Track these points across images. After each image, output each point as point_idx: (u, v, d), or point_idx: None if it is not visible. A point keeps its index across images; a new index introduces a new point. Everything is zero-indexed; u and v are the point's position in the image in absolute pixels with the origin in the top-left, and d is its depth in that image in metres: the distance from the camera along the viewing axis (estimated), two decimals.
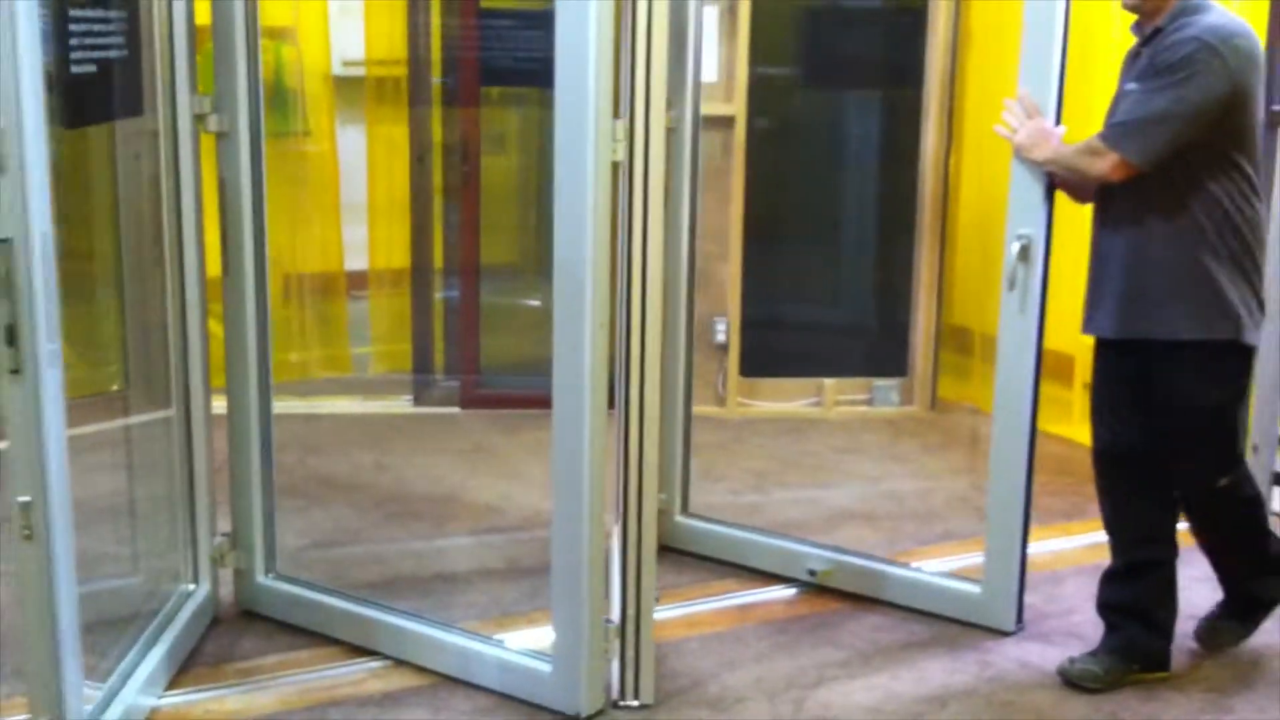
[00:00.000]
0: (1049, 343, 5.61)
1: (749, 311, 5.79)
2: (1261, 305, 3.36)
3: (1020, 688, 3.48)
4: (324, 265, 6.29)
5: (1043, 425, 5.65)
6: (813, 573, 3.99)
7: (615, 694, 3.29)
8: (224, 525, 3.78)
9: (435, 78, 5.93)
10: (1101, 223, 3.44)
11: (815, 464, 5.32)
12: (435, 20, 5.93)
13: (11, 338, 2.51)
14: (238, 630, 3.70)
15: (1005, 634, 3.76)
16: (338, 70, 6.39)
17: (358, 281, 6.47)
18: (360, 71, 6.42)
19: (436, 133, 5.91)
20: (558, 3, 2.92)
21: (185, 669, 3.47)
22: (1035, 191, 3.50)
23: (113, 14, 3.21)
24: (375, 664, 3.51)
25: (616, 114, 3.01)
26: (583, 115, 2.95)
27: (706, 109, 5.61)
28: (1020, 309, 3.59)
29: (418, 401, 5.97)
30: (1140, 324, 3.34)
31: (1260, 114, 3.31)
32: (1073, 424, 5.67)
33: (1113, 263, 3.36)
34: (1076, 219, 4.02)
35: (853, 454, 5.46)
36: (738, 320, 5.79)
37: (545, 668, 3.26)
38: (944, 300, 6.03)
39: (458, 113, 5.85)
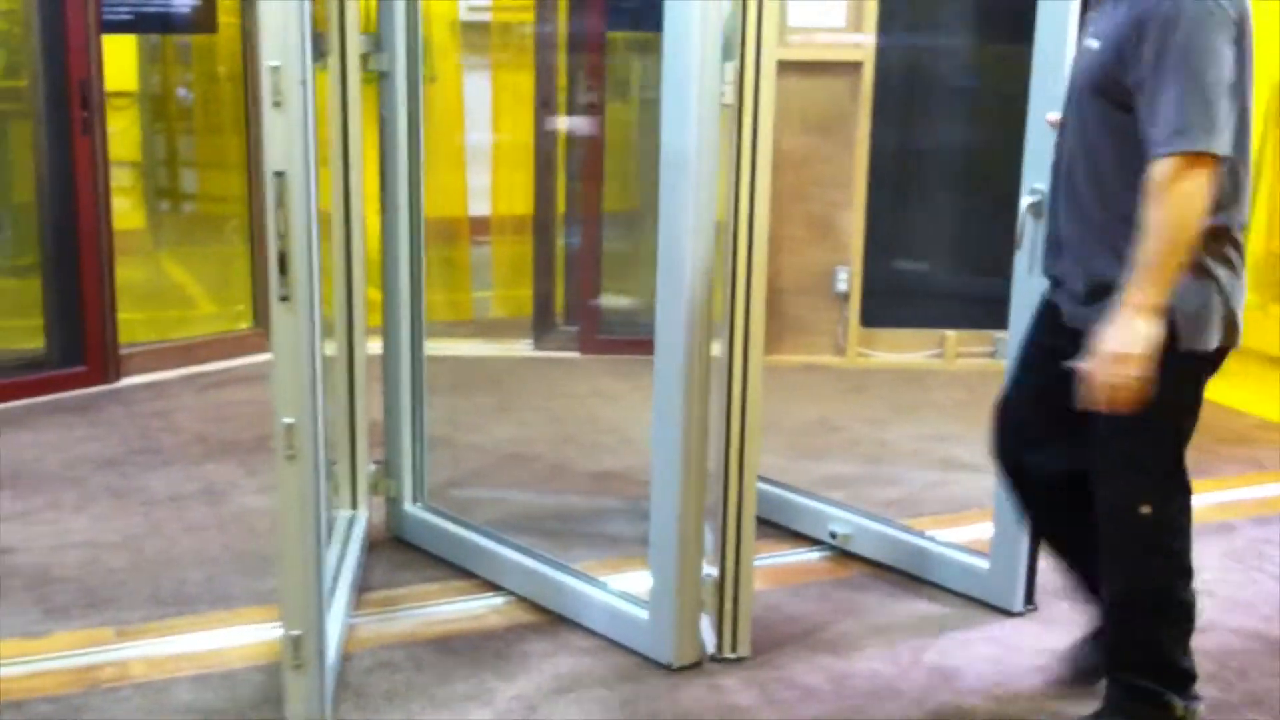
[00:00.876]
0: None
1: (871, 261, 5.74)
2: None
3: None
4: (448, 210, 6.36)
5: None
6: (834, 535, 3.88)
7: (713, 648, 3.27)
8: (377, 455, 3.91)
9: (561, 22, 5.94)
10: None
11: (935, 415, 5.27)
12: None
13: (284, 266, 2.61)
14: (384, 557, 3.80)
15: (1010, 614, 3.53)
16: (464, 15, 6.43)
17: (480, 227, 6.53)
18: (486, 17, 6.46)
19: (561, 78, 5.93)
20: None
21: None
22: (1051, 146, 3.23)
23: None
24: (499, 600, 3.56)
25: (728, 56, 2.96)
26: (689, 57, 2.90)
27: (831, 54, 5.60)
28: (1030, 268, 3.29)
29: (538, 346, 6.02)
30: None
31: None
32: None
33: None
34: None
35: (971, 407, 5.39)
36: (859, 269, 5.74)
37: (643, 615, 3.26)
38: None
39: (583, 58, 5.86)
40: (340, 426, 3.79)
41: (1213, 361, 2.70)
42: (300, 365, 2.68)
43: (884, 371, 5.79)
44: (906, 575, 3.75)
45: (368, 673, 3.16)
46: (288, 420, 2.70)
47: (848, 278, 5.74)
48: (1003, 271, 5.97)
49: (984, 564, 3.59)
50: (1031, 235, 3.26)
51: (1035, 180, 3.21)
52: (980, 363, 5.93)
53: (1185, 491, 2.82)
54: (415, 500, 3.90)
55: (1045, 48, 3.21)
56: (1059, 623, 3.43)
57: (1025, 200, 3.26)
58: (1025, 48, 5.61)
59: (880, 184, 5.68)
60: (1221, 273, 2.63)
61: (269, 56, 2.54)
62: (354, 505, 3.86)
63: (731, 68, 2.95)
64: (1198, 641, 3.35)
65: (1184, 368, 2.64)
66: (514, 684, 3.13)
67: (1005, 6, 5.82)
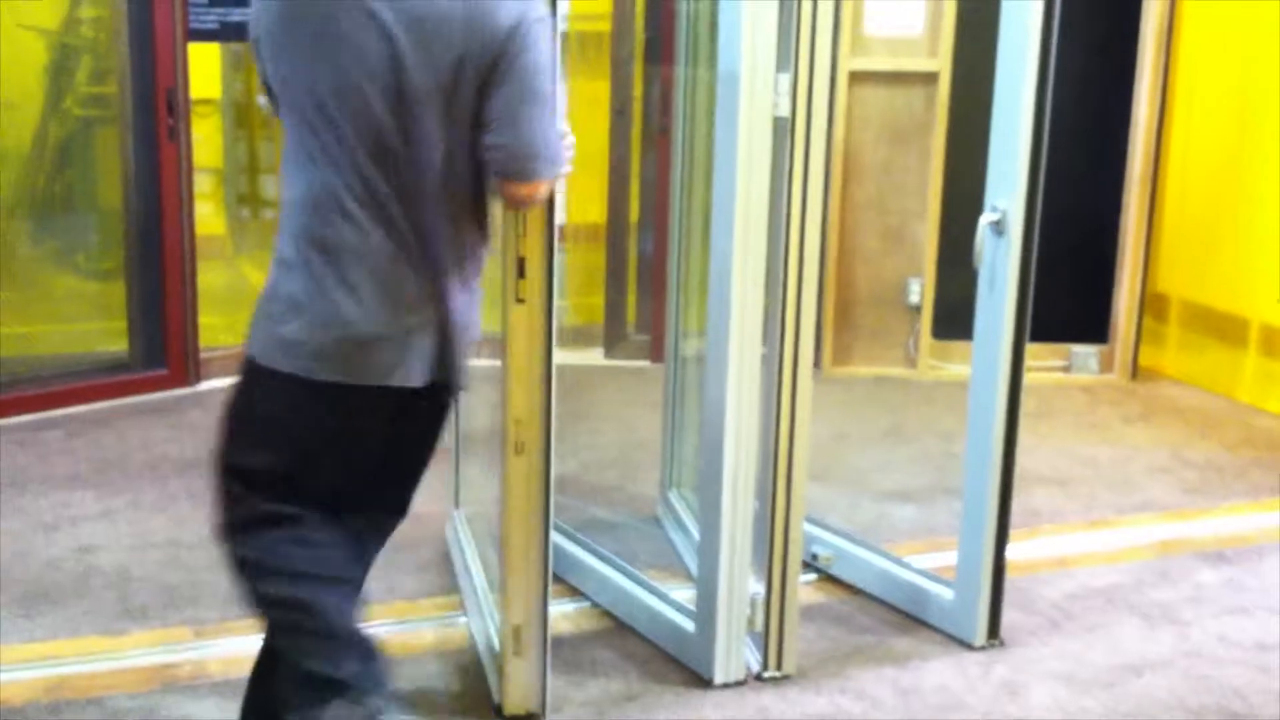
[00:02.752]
0: (1263, 315, 5.50)
1: (944, 272, 5.71)
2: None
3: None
4: None
5: (1255, 400, 5.52)
6: (815, 556, 3.79)
7: (758, 666, 3.25)
8: None
9: (638, 33, 5.96)
10: None
11: None
12: None
13: (522, 270, 2.75)
14: None
15: (970, 648, 3.41)
16: None
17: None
18: (563, 26, 6.49)
19: (637, 88, 5.96)
20: None
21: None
22: (1015, 161, 3.16)
23: None
24: (571, 606, 3.59)
25: (780, 68, 2.94)
26: (739, 68, 2.89)
27: (909, 64, 5.59)
28: (990, 287, 3.26)
29: (609, 354, 6.05)
30: None
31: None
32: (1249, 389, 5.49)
33: None
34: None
35: (1047, 419, 5.36)
36: (932, 281, 5.72)
37: (689, 626, 3.26)
38: (1150, 267, 5.87)
39: (658, 69, 5.88)
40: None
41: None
42: (533, 364, 2.80)
43: (955, 384, 5.75)
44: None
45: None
46: (518, 415, 2.83)
47: (920, 289, 5.72)
48: (1075, 285, 5.95)
49: (949, 593, 3.50)
50: (992, 252, 3.22)
51: (997, 197, 3.18)
52: (1053, 376, 5.89)
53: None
54: None
55: (1007, 62, 3.17)
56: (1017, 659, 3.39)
57: (986, 218, 3.22)
58: (1101, 59, 5.57)
59: (955, 195, 5.66)
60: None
61: None
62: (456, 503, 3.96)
63: (786, 79, 2.95)
64: (1268, 661, 3.32)
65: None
66: (584, 690, 3.16)
67: (1085, 18, 5.79)
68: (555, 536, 3.70)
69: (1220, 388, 5.74)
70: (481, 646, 3.27)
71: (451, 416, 2.60)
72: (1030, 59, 3.11)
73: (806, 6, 2.91)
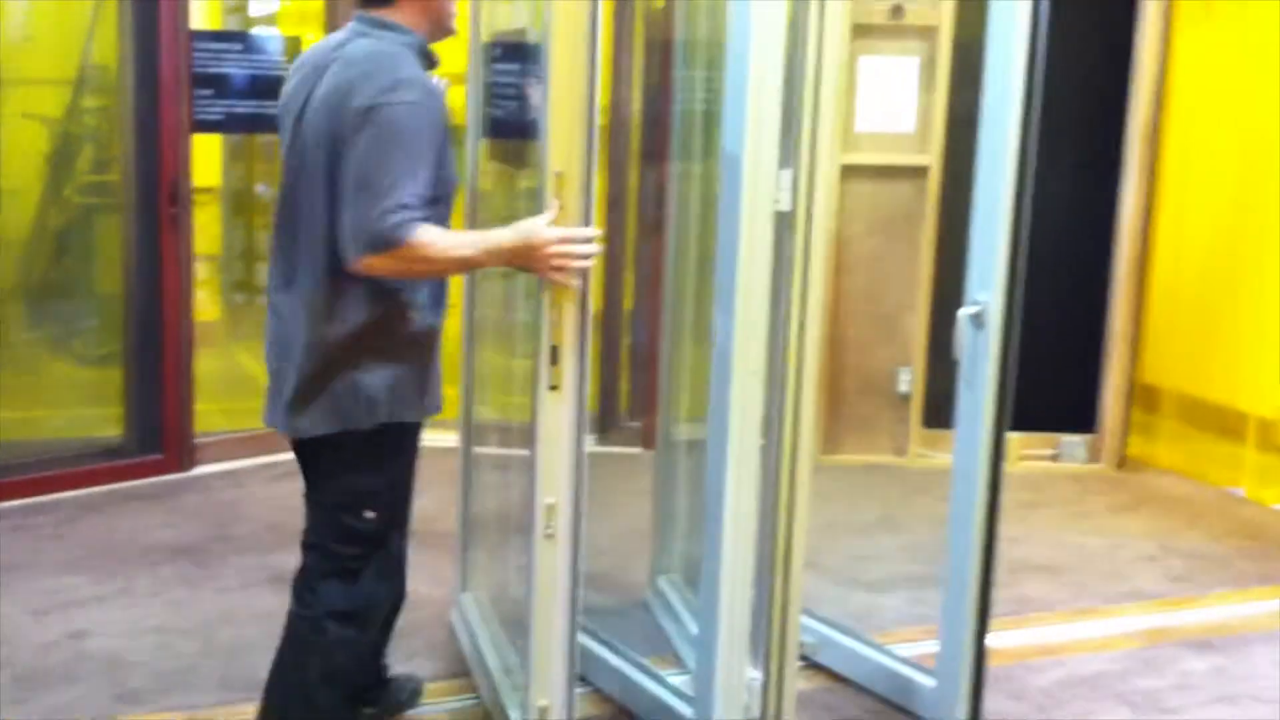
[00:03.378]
0: (1248, 406, 5.56)
1: (934, 362, 5.78)
2: None
3: None
4: None
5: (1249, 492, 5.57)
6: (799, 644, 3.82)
7: None
8: None
9: (634, 128, 6.07)
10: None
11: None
12: (636, 74, 6.08)
13: (555, 357, 2.79)
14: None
15: None
16: None
17: None
18: None
19: (633, 179, 6.05)
20: (728, 49, 2.93)
21: None
22: (994, 255, 3.23)
23: None
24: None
25: (783, 164, 2.99)
26: (743, 163, 2.94)
27: (900, 159, 5.70)
28: (970, 378, 3.30)
29: (601, 440, 6.09)
30: None
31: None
32: (1273, 490, 5.54)
33: None
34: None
35: (1037, 508, 5.40)
36: (922, 371, 5.79)
37: (688, 712, 3.27)
38: (1137, 357, 5.94)
39: (654, 162, 5.98)
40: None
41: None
42: (565, 449, 2.84)
43: (945, 472, 5.78)
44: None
45: None
46: (549, 500, 2.86)
47: (910, 379, 5.79)
48: (1063, 375, 6.01)
49: (931, 681, 3.50)
50: (972, 344, 3.26)
51: (978, 291, 3.23)
52: (1042, 465, 5.94)
53: None
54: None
55: (987, 159, 3.23)
56: None
57: (966, 310, 3.26)
58: (1089, 152, 5.67)
59: (945, 286, 5.74)
60: None
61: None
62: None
63: (788, 175, 3.02)
64: None
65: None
66: None
67: (1073, 113, 5.91)
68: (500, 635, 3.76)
69: (1207, 478, 5.79)
70: None
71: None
72: (1010, 155, 3.18)
73: (809, 104, 2.99)
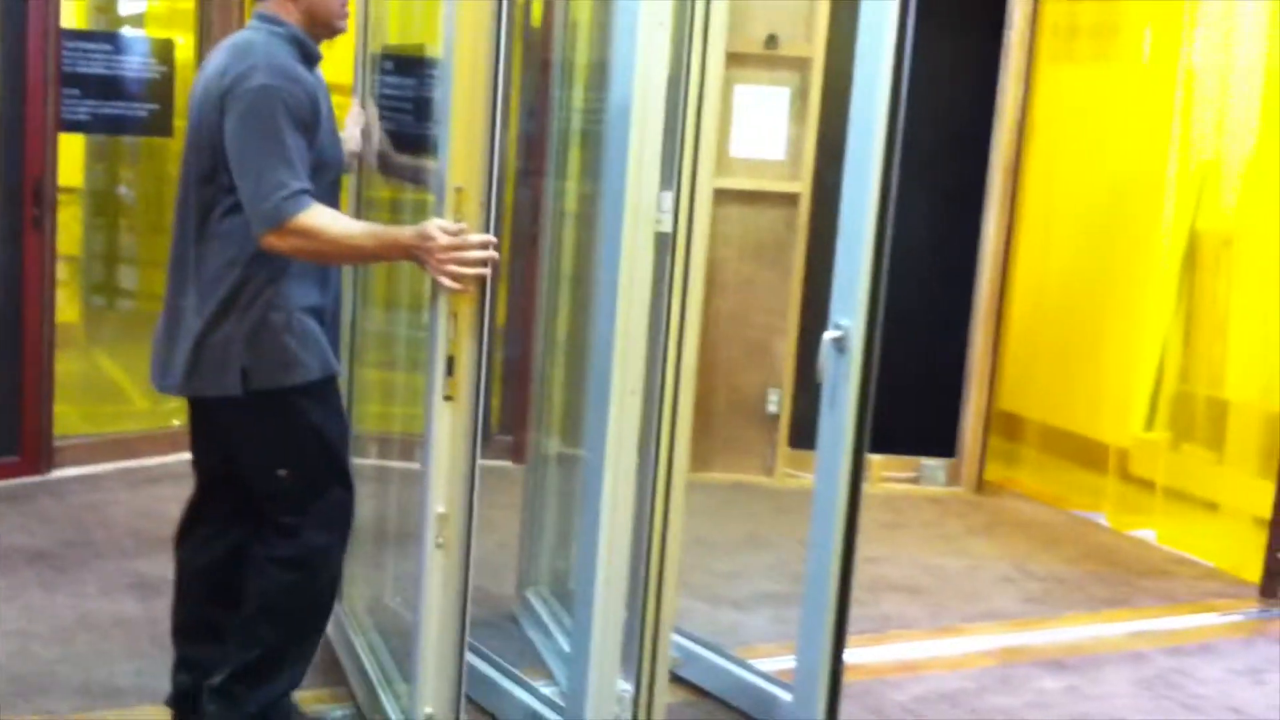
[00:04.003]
0: (1099, 434, 5.76)
1: (801, 384, 5.88)
2: None
3: None
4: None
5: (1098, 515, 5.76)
6: None
7: None
8: None
9: (511, 143, 6.09)
10: None
11: (861, 538, 5.35)
12: (515, 92, 6.10)
13: (451, 368, 2.82)
14: None
15: None
16: None
17: None
18: None
19: (509, 195, 6.07)
20: (611, 73, 2.98)
21: None
22: (856, 282, 3.28)
23: None
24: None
25: (665, 185, 3.06)
26: (625, 185, 2.98)
27: (771, 185, 5.80)
28: (832, 401, 3.35)
29: None
30: None
31: None
32: (1122, 516, 5.73)
33: None
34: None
35: (898, 529, 5.53)
36: (790, 392, 5.89)
37: None
38: (995, 386, 6.12)
39: (529, 178, 6.01)
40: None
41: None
42: (458, 460, 2.86)
43: (810, 492, 5.89)
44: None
45: None
46: (440, 510, 2.88)
47: (779, 400, 5.88)
48: (925, 400, 6.17)
49: (789, 696, 3.54)
50: (834, 368, 3.32)
51: (840, 315, 3.27)
52: (903, 487, 6.08)
53: None
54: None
55: (851, 187, 3.28)
56: None
57: (829, 335, 3.30)
58: (953, 187, 5.82)
59: (814, 310, 5.85)
60: None
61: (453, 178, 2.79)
62: None
63: (669, 197, 3.07)
64: None
65: None
66: None
67: (937, 149, 6.08)
68: (381, 648, 3.74)
69: (1066, 504, 5.98)
70: None
71: None
72: (872, 185, 3.22)
73: (690, 128, 3.04)
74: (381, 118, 3.56)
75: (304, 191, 2.83)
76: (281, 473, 3.05)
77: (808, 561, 3.47)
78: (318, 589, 3.16)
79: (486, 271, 2.78)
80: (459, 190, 2.80)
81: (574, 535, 3.89)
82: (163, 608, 4.00)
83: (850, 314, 3.27)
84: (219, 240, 2.94)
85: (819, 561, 3.45)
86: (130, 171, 6.40)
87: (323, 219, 2.84)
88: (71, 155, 5.83)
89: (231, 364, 2.93)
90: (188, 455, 5.24)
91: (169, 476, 5.41)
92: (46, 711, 3.38)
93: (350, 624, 3.81)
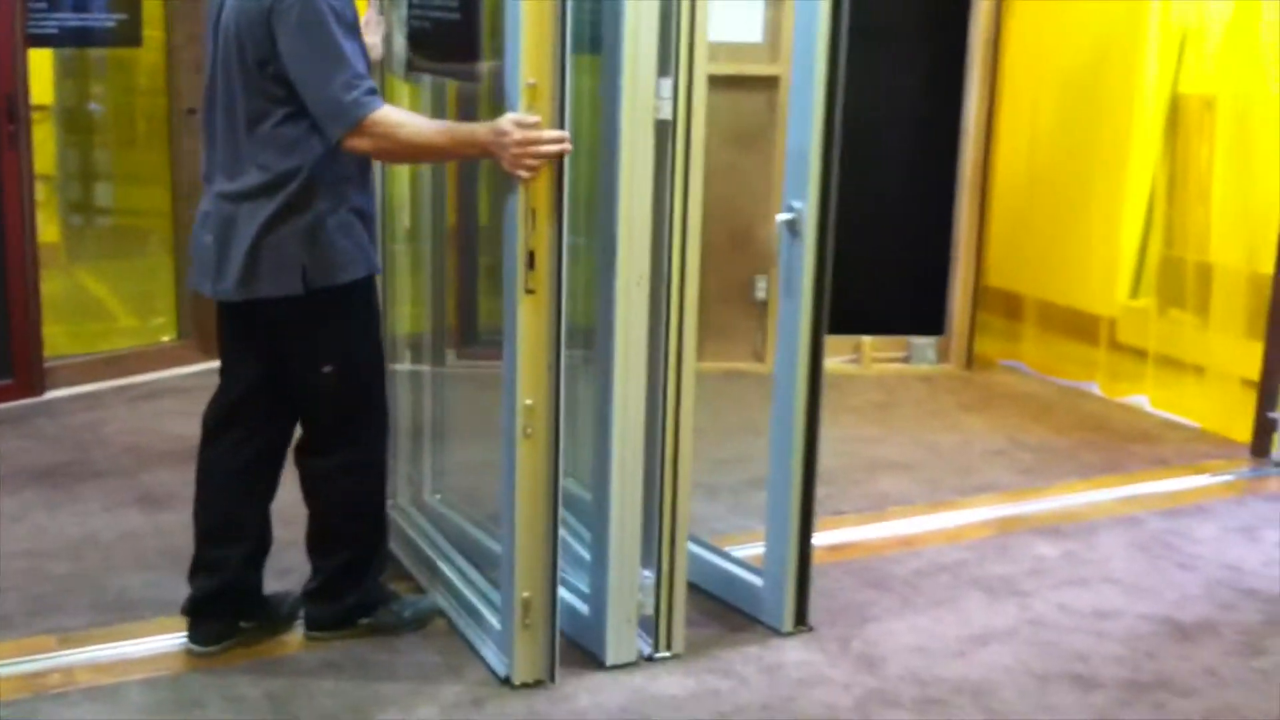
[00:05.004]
0: (1086, 304, 5.79)
1: None
2: None
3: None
4: None
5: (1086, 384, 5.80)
6: None
7: (649, 649, 3.34)
8: None
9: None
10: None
11: (854, 419, 5.42)
12: None
13: (532, 262, 2.95)
14: None
15: (770, 635, 3.49)
16: None
17: None
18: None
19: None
20: None
21: None
22: (807, 164, 3.31)
23: None
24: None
25: (663, 73, 3.05)
26: (623, 74, 3.00)
27: (751, 69, 5.75)
28: (788, 284, 3.38)
29: (461, 356, 6.06)
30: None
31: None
32: (1111, 384, 5.78)
33: None
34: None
35: (890, 409, 5.57)
36: (777, 278, 5.88)
37: (585, 609, 3.36)
38: (981, 262, 6.13)
39: None
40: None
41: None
42: (542, 352, 2.99)
43: None
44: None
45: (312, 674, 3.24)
46: (528, 401, 3.01)
47: (766, 286, 5.89)
48: (913, 280, 6.19)
49: (758, 580, 3.58)
50: (788, 251, 3.34)
51: (792, 198, 3.32)
52: (895, 367, 6.12)
53: None
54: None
55: (800, 68, 3.30)
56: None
57: (781, 217, 3.34)
58: (933, 68, 5.76)
59: None
60: None
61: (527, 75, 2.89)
62: None
63: (667, 84, 3.06)
64: (1105, 627, 3.55)
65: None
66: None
67: (916, 32, 6.04)
68: (437, 537, 3.82)
69: (1057, 375, 6.02)
70: (464, 622, 3.44)
71: None
72: (819, 65, 3.23)
73: (685, 15, 3.02)
74: (413, 18, 3.55)
75: (374, 91, 2.95)
76: (328, 369, 3.15)
77: (771, 447, 3.50)
78: (380, 484, 3.38)
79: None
80: (531, 86, 2.90)
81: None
82: (169, 521, 4.07)
83: (802, 196, 3.28)
84: (274, 148, 3.00)
85: (781, 446, 3.49)
86: (100, 86, 6.32)
87: (399, 115, 3.00)
88: (41, 72, 5.75)
89: (291, 264, 3.03)
90: (181, 370, 5.30)
91: (164, 391, 5.43)
92: (63, 629, 3.42)
93: (418, 518, 3.95)
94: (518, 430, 3.02)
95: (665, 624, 3.34)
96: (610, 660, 3.28)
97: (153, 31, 5.75)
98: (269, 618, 3.41)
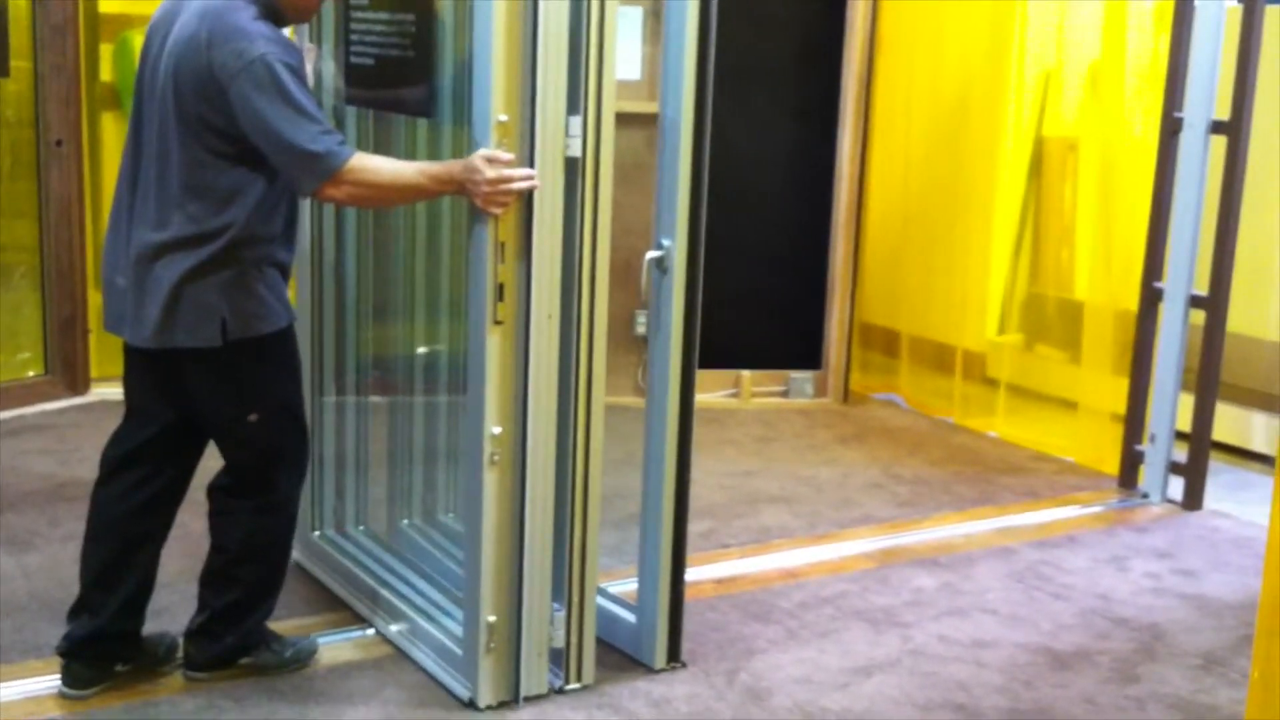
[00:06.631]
0: (957, 340, 5.92)
1: None
2: None
3: None
4: None
5: (957, 419, 5.92)
6: None
7: (558, 681, 3.34)
8: None
9: None
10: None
11: (735, 452, 5.46)
12: None
13: (502, 294, 3.03)
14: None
15: (652, 671, 3.49)
16: None
17: None
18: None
19: None
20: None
21: None
22: (678, 200, 3.33)
23: None
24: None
25: (572, 110, 3.07)
26: (535, 111, 3.03)
27: (629, 106, 5.78)
28: (657, 320, 3.45)
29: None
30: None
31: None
32: (981, 418, 5.90)
33: None
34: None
35: (770, 442, 5.62)
36: (648, 315, 5.90)
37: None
38: (856, 299, 6.23)
39: None
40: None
41: None
42: (509, 381, 3.09)
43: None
44: None
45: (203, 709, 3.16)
46: (496, 429, 3.08)
47: (646, 321, 5.90)
48: (792, 316, 6.26)
49: (632, 617, 3.58)
50: (657, 287, 3.41)
51: (663, 236, 3.36)
52: (774, 401, 6.18)
53: None
54: (313, 529, 4.05)
55: (668, 108, 3.32)
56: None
57: (650, 255, 3.39)
58: (809, 110, 5.83)
59: None
60: None
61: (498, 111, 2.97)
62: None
63: (577, 121, 3.07)
64: (985, 656, 3.60)
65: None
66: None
67: (793, 78, 6.13)
68: (345, 564, 3.83)
69: (925, 409, 6.13)
70: (421, 651, 3.47)
71: None
72: (687, 102, 3.27)
73: (594, 54, 3.05)
74: (354, 53, 3.57)
75: (342, 141, 2.96)
76: (252, 417, 3.15)
77: (643, 483, 3.52)
78: (289, 529, 3.35)
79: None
80: (502, 123, 2.95)
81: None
82: (35, 563, 3.96)
83: (670, 234, 3.33)
84: (209, 200, 2.99)
85: (654, 481, 3.51)
86: None
87: (374, 162, 3.01)
88: None
89: (210, 315, 3.01)
90: (46, 405, 5.17)
91: (27, 429, 5.27)
92: None
93: (351, 548, 3.96)
94: (484, 458, 3.08)
95: (577, 654, 3.35)
96: (482, 701, 3.25)
97: (20, 62, 5.61)
98: (146, 658, 3.32)
